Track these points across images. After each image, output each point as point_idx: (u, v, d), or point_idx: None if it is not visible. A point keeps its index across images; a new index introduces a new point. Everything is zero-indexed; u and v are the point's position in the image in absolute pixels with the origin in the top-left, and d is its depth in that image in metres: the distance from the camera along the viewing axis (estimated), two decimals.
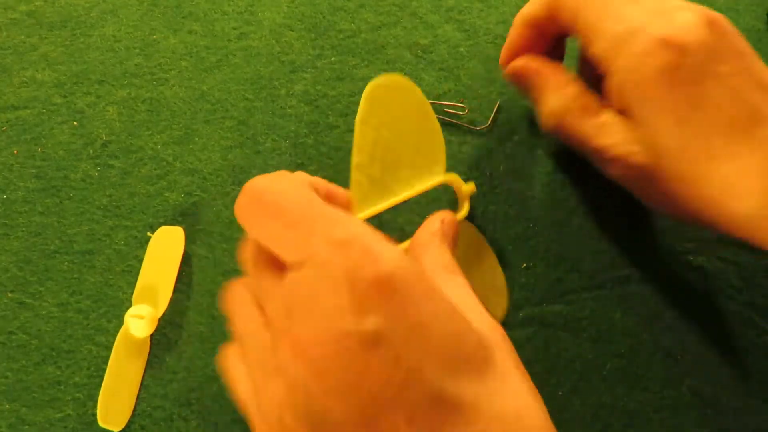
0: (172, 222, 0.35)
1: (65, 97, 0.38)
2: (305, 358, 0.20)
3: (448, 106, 0.38)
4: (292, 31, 0.40)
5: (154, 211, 0.35)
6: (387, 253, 0.20)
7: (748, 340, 0.32)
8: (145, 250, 0.34)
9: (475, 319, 0.23)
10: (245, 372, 0.23)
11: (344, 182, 0.36)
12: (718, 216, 0.25)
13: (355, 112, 0.38)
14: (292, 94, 0.38)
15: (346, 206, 0.27)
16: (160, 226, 0.35)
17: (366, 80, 0.38)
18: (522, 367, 0.23)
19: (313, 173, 0.36)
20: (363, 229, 0.21)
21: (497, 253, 0.33)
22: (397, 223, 0.35)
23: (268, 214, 0.22)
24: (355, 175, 0.29)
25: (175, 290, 0.33)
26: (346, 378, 0.19)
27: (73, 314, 0.33)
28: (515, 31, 0.32)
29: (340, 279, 0.20)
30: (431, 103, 0.38)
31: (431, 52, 0.39)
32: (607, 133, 0.28)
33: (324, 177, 0.36)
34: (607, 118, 0.28)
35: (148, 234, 0.35)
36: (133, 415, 0.31)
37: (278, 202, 0.22)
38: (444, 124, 0.37)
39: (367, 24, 0.40)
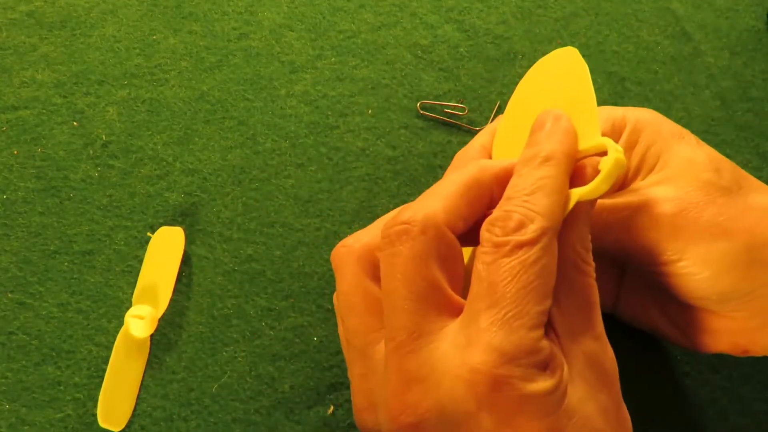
0: (172, 222, 0.35)
1: (65, 97, 0.38)
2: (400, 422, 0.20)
3: (448, 106, 0.38)
4: (292, 31, 0.40)
5: (154, 211, 0.35)
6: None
7: None
8: (145, 250, 0.34)
9: None
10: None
11: (344, 182, 0.36)
12: None
13: (354, 112, 0.38)
14: (291, 94, 0.38)
15: None
16: (160, 226, 0.35)
17: (366, 80, 0.38)
18: None
19: (312, 173, 0.36)
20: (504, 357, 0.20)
21: None
22: None
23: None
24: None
25: (175, 290, 0.33)
26: None
27: (73, 314, 0.33)
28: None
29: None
30: (431, 104, 0.38)
31: (431, 52, 0.39)
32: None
33: (324, 177, 0.36)
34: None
35: (148, 234, 0.35)
36: (133, 415, 0.31)
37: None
38: (444, 124, 0.37)
39: (367, 24, 0.40)
